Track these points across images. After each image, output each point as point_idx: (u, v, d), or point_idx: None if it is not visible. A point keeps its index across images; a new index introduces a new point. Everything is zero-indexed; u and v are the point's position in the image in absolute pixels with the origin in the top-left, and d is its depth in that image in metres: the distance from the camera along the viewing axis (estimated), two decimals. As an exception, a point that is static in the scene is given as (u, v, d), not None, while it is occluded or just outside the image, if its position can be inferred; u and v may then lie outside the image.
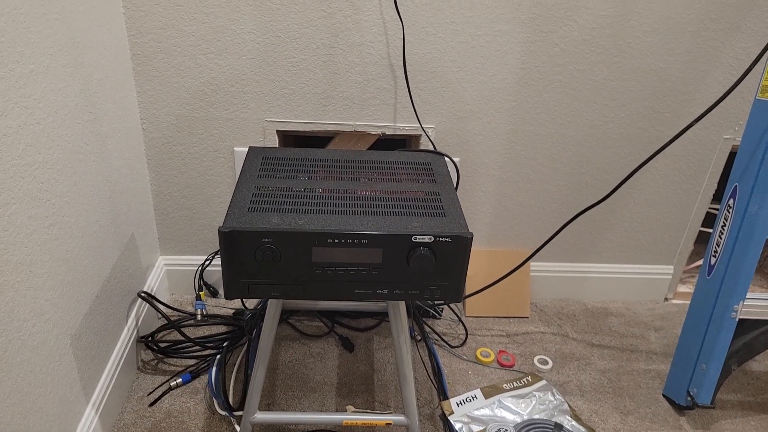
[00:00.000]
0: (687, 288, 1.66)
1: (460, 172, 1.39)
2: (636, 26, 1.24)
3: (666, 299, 1.64)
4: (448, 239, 0.89)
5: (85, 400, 1.02)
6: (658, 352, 1.45)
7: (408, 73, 1.27)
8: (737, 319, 1.13)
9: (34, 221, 0.85)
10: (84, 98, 1.00)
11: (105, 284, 1.10)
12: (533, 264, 1.56)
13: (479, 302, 1.51)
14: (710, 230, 1.66)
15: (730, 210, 1.11)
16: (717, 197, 1.52)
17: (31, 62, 0.83)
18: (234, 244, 0.87)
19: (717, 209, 1.73)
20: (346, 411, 1.20)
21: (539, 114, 1.34)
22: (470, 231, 0.90)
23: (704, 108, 1.35)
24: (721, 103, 1.34)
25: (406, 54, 1.24)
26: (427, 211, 0.95)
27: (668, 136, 1.39)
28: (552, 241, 1.36)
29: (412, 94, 1.29)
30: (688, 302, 1.64)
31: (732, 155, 1.47)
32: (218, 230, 0.86)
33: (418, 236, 0.89)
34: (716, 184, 1.47)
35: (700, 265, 1.72)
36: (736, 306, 1.12)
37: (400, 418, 1.08)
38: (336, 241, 0.88)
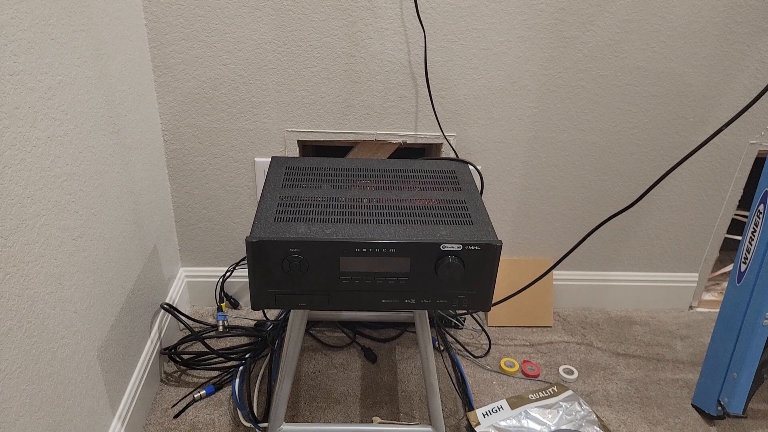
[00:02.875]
0: (712, 296, 1.63)
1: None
2: (660, 30, 1.23)
3: (691, 307, 1.61)
4: (477, 247, 0.88)
5: (111, 412, 1.02)
6: (685, 361, 1.42)
7: (429, 81, 1.26)
8: (770, 327, 1.11)
9: (63, 233, 0.84)
10: (108, 110, 1.00)
11: (129, 296, 1.10)
12: (555, 272, 1.54)
13: (502, 312, 1.50)
14: (735, 237, 1.63)
15: (761, 216, 1.09)
16: (743, 203, 1.50)
17: (59, 74, 0.83)
18: (261, 254, 0.86)
19: (743, 216, 1.71)
20: (372, 422, 1.18)
21: (562, 120, 1.33)
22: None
23: (729, 112, 1.34)
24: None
25: (427, 62, 1.24)
26: (454, 219, 0.94)
27: (693, 141, 1.37)
28: (575, 249, 1.34)
29: (433, 102, 1.29)
30: (714, 310, 1.61)
31: (758, 160, 1.45)
32: (245, 240, 0.85)
33: (446, 245, 0.88)
34: (742, 190, 1.44)
35: (725, 273, 1.69)
36: (768, 313, 1.10)
37: (427, 429, 1.06)
38: (364, 250, 0.87)
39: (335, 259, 0.88)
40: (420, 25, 1.20)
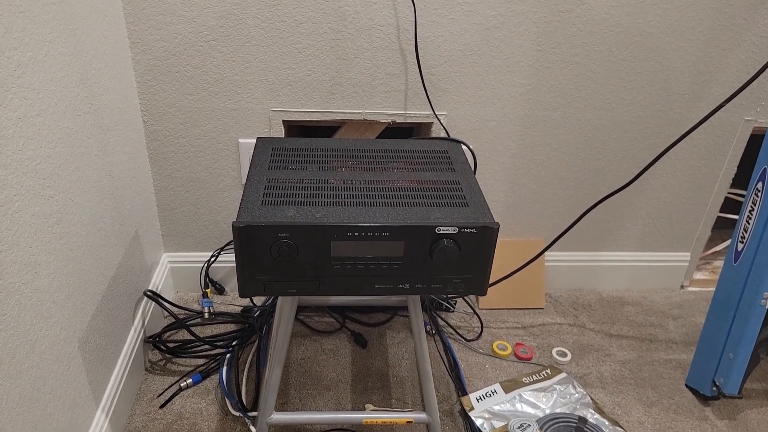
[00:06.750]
0: (703, 275, 1.62)
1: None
2: (657, 3, 1.20)
3: (682, 287, 1.61)
4: (474, 230, 0.85)
5: (94, 404, 0.98)
6: (678, 341, 1.41)
7: (420, 58, 1.22)
8: (767, 307, 1.10)
9: (38, 219, 0.80)
10: (84, 89, 0.95)
11: (111, 284, 1.06)
12: (547, 253, 1.52)
13: (494, 294, 1.48)
14: (728, 216, 1.62)
15: (759, 194, 1.07)
16: (737, 181, 1.49)
17: (29, 49, 0.78)
18: (249, 239, 0.82)
19: (736, 194, 1.70)
20: (364, 409, 1.16)
21: (555, 98, 1.30)
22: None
23: (725, 88, 1.31)
24: (742, 84, 1.30)
25: (417, 37, 1.20)
26: (448, 201, 0.90)
27: (688, 118, 1.35)
28: (569, 230, 1.32)
29: (424, 79, 1.24)
30: (705, 289, 1.61)
31: (753, 138, 1.43)
32: (232, 225, 0.81)
33: (441, 227, 0.85)
34: (736, 168, 1.43)
35: (716, 252, 1.69)
36: (766, 293, 1.08)
37: (421, 415, 1.04)
38: (356, 234, 0.84)
39: (326, 244, 0.84)
40: (410, -2, 1.16)
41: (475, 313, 1.46)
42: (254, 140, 1.28)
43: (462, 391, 1.22)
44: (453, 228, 0.85)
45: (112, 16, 1.07)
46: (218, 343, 1.27)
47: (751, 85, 1.31)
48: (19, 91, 0.76)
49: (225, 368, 1.22)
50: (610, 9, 1.20)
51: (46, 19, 0.83)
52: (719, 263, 1.67)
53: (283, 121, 1.28)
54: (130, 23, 1.14)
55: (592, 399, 1.21)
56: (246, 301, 1.44)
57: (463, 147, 1.11)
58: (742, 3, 1.21)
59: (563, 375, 1.26)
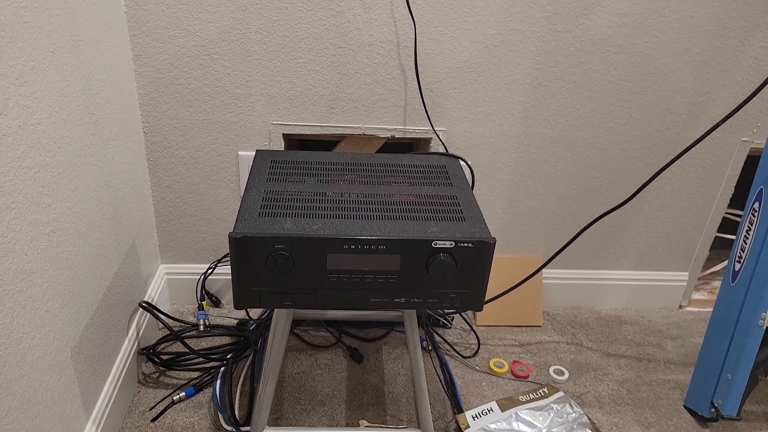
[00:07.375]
0: (702, 295, 1.62)
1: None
2: (654, 25, 1.21)
3: (680, 306, 1.60)
4: (470, 245, 0.85)
5: (85, 416, 0.97)
6: (676, 361, 1.40)
7: (419, 74, 1.23)
8: (765, 327, 1.09)
9: (35, 227, 0.80)
10: (85, 99, 0.95)
11: (106, 294, 1.05)
12: (544, 271, 1.51)
13: (491, 311, 1.47)
14: (726, 236, 1.62)
15: (756, 214, 1.08)
16: (734, 201, 1.49)
17: (32, 59, 0.79)
18: (245, 250, 0.82)
19: (734, 214, 1.70)
20: (359, 426, 1.15)
21: (553, 116, 1.30)
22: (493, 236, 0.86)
23: (722, 109, 1.32)
24: (739, 105, 1.31)
25: (417, 54, 1.21)
26: (445, 216, 0.90)
27: (685, 138, 1.35)
28: (566, 247, 1.32)
29: (423, 95, 1.25)
30: (703, 309, 1.60)
31: (750, 158, 1.44)
32: (229, 236, 0.81)
33: (438, 241, 0.85)
34: (733, 188, 1.43)
35: (715, 272, 1.68)
36: (764, 314, 1.08)
37: (416, 432, 1.03)
38: (352, 247, 0.84)
39: (322, 256, 0.84)
40: (410, 16, 1.17)
41: (472, 329, 1.45)
42: (254, 153, 1.28)
43: (458, 408, 1.21)
44: (449, 242, 0.85)
45: (117, 29, 1.09)
46: (212, 356, 1.26)
47: (747, 106, 1.32)
48: (21, 99, 0.76)
49: (219, 382, 1.21)
50: (608, 30, 1.21)
51: (50, 30, 0.83)
52: (718, 283, 1.66)
53: (283, 134, 1.29)
54: (133, 36, 1.15)
55: (589, 419, 1.20)
56: (242, 314, 1.43)
57: (461, 163, 1.12)
58: (737, 25, 1.23)
59: (560, 394, 1.25)
